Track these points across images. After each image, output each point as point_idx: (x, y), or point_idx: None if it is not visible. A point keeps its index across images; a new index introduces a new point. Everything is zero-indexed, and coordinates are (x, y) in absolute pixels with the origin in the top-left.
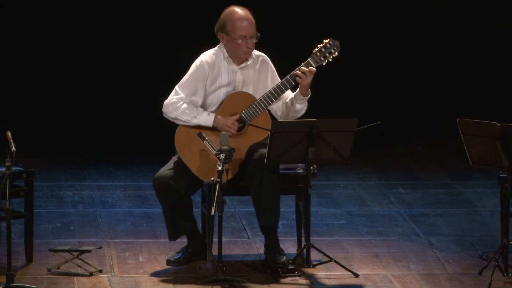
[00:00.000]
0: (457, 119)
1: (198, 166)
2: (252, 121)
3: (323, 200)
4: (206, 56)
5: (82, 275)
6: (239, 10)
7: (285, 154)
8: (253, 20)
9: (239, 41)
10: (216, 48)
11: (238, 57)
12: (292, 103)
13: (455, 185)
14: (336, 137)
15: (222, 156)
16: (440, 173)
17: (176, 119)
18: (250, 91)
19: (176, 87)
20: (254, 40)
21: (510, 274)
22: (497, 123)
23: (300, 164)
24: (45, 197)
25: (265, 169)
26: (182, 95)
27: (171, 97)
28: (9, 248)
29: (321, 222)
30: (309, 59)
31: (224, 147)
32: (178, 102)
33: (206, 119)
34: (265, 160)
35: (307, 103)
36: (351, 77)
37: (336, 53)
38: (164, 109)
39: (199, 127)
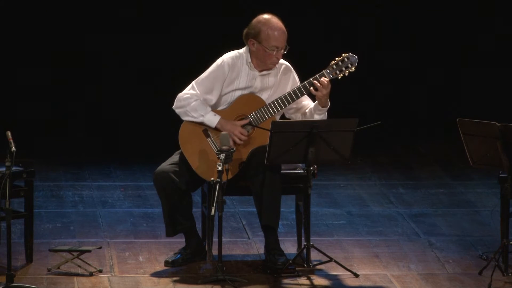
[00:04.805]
0: (457, 119)
1: (199, 163)
2: (259, 125)
3: (323, 200)
4: (228, 57)
5: (82, 275)
6: (274, 21)
7: (285, 154)
8: (286, 32)
9: (271, 51)
10: (240, 50)
11: (264, 65)
12: (310, 114)
13: (455, 185)
14: (336, 137)
15: (222, 156)
16: (440, 173)
17: (184, 113)
18: (265, 97)
19: (193, 83)
20: (284, 52)
21: (510, 274)
22: (497, 123)
23: (300, 164)
24: (45, 197)
25: (267, 169)
26: (197, 91)
27: (186, 92)
28: (9, 248)
29: (321, 222)
30: (324, 71)
31: (224, 147)
32: (192, 98)
33: (211, 119)
34: (265, 160)
35: (326, 114)
36: (351, 77)
37: (353, 68)
38: (176, 102)
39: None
